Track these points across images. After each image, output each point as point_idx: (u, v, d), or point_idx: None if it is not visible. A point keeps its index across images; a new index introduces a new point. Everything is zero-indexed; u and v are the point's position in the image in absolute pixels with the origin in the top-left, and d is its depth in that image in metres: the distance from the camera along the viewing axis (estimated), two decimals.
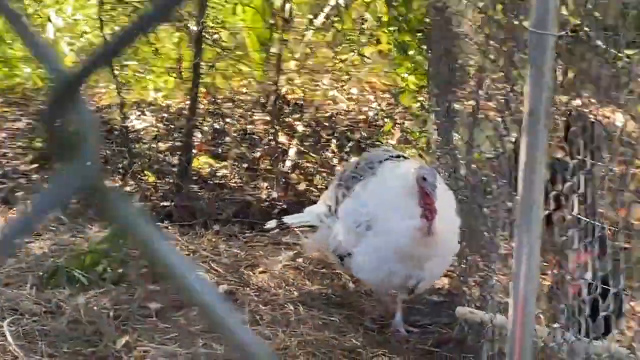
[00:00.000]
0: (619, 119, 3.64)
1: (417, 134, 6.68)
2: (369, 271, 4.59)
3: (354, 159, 5.08)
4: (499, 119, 4.85)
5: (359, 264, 4.63)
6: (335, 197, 4.92)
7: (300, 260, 5.74)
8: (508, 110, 4.70)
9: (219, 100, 6.91)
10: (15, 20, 0.91)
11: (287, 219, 5.32)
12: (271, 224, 5.38)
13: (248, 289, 5.37)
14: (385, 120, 7.09)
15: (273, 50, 6.96)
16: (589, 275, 3.30)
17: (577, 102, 3.42)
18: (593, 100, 3.33)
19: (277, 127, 6.76)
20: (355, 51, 7.02)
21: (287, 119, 7.07)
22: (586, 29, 3.15)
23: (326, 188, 6.63)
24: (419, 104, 6.76)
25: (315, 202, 6.51)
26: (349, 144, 6.89)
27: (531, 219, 2.89)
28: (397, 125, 6.90)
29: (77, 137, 0.80)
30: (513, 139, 4.75)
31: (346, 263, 4.79)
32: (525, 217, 2.91)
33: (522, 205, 2.92)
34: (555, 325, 3.19)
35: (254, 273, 5.58)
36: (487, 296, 3.81)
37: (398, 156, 4.98)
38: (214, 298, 0.86)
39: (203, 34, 6.30)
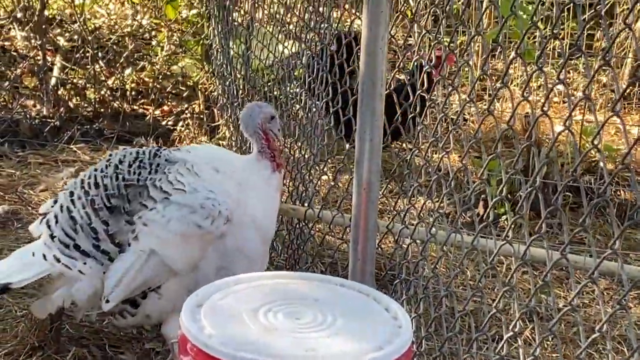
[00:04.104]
0: None
1: (193, 43, 6.58)
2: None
3: (96, 169, 3.48)
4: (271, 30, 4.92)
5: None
6: (97, 228, 3.34)
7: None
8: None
9: None
10: None
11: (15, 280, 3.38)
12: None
13: (31, 208, 5.13)
14: (153, 33, 6.94)
15: None
16: None
17: None
18: None
19: (39, 43, 6.42)
20: None
21: (48, 35, 6.74)
22: None
23: (102, 101, 6.44)
24: (195, 11, 6.66)
25: (90, 119, 6.32)
26: (122, 59, 6.67)
27: (375, 97, 2.87)
28: (170, 37, 6.76)
29: None
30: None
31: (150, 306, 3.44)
32: (368, 96, 2.88)
33: (364, 84, 2.88)
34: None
35: (34, 191, 5.35)
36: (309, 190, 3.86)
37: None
38: None
39: None
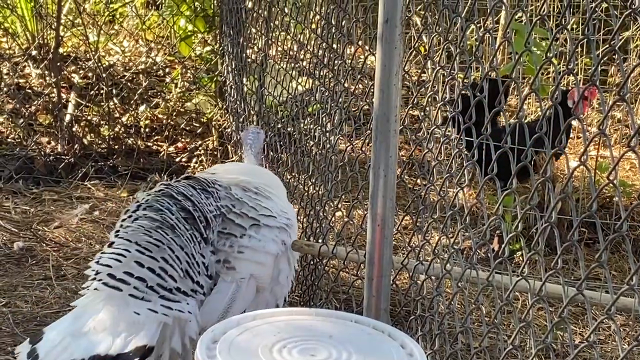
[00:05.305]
0: None
1: (207, 79, 6.61)
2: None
3: (161, 206, 3.36)
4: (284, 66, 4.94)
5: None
6: (199, 263, 3.32)
7: (96, 213, 5.57)
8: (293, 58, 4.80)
9: None
10: None
11: None
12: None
13: (45, 245, 5.13)
14: (167, 70, 6.99)
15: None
16: None
17: None
18: None
19: (54, 80, 6.46)
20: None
21: (63, 72, 6.79)
22: None
23: (116, 138, 6.46)
24: (209, 48, 6.69)
25: (105, 156, 6.34)
26: (136, 96, 6.71)
27: (389, 131, 2.87)
28: (184, 73, 6.80)
29: None
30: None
31: None
32: (383, 130, 2.87)
33: (377, 120, 2.88)
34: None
35: (48, 228, 5.35)
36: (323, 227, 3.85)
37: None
38: None
39: None
